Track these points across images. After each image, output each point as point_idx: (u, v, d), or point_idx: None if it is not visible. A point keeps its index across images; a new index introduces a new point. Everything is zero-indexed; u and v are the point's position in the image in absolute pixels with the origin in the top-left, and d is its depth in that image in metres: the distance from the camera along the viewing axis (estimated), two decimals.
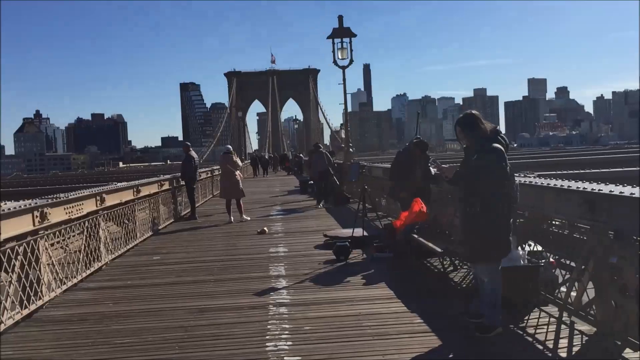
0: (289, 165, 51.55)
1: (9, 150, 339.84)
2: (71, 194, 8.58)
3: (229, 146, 16.53)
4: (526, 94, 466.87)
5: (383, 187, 14.87)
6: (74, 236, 8.37)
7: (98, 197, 9.41)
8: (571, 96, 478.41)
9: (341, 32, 22.73)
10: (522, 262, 6.23)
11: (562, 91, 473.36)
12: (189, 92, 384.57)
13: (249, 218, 15.21)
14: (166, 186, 15.16)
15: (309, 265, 8.98)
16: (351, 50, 22.83)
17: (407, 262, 8.57)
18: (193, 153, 16.61)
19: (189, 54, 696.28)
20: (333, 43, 22.84)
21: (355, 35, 22.81)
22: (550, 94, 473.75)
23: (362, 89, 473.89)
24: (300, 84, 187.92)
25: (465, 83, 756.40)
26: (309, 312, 6.38)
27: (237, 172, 15.46)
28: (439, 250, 6.95)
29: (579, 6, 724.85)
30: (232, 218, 15.10)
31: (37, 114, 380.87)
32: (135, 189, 11.88)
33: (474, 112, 5.66)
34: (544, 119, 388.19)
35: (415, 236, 8.06)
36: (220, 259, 9.85)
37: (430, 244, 7.31)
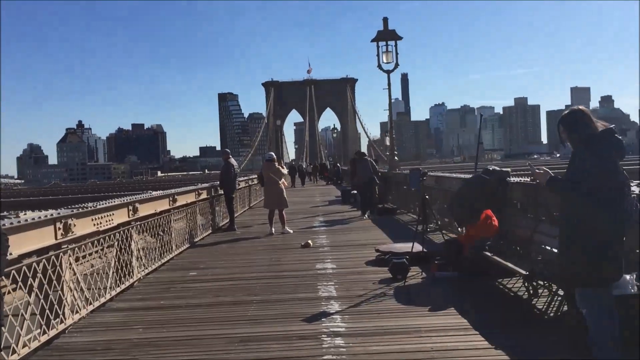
0: (328, 174, 50.64)
1: (52, 159, 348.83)
2: (100, 203, 7.77)
3: (272, 153, 15.67)
4: (569, 102, 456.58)
5: (436, 197, 13.76)
6: (102, 250, 7.56)
7: (130, 207, 8.60)
8: (616, 105, 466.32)
9: (386, 35, 21.73)
10: (632, 289, 5.10)
11: (607, 100, 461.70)
12: (227, 102, 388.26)
13: (291, 231, 14.28)
14: (204, 195, 14.37)
15: (362, 285, 7.96)
16: (397, 54, 21.81)
17: (476, 283, 7.49)
18: (233, 161, 15.82)
19: (227, 64, 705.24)
20: (377, 46, 21.86)
21: (401, 38, 21.80)
22: (594, 103, 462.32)
23: (400, 98, 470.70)
24: (338, 93, 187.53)
25: (506, 92, 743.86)
26: (370, 346, 5.37)
27: (282, 181, 14.64)
28: (524, 272, 5.85)
29: (621, 12, 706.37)
30: (273, 230, 14.22)
31: (80, 124, 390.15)
32: (171, 198, 11.08)
33: (581, 107, 4.63)
34: None
35: (488, 254, 6.97)
36: (262, 276, 8.91)
37: (511, 265, 6.21)
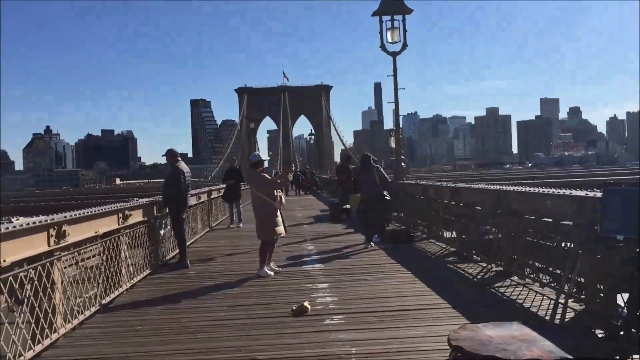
0: (306, 184, 45.66)
1: (18, 165, 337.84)
2: None
3: (257, 153, 10.45)
4: (539, 113, 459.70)
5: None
6: None
7: None
8: (584, 116, 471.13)
9: (391, 6, 16.95)
10: None
11: (575, 111, 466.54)
12: (200, 109, 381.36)
13: (271, 273, 9.33)
14: (137, 217, 9.28)
15: None
16: (404, 31, 17.03)
17: None
18: (183, 165, 10.66)
19: (200, 71, 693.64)
20: (380, 21, 17.05)
21: (410, 11, 17.03)
22: (562, 114, 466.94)
23: (373, 107, 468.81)
24: (313, 100, 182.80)
25: (477, 103, 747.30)
26: None
27: (279, 195, 9.64)
28: None
29: (587, 26, 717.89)
30: (266, 269, 9.33)
31: (47, 130, 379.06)
32: (52, 232, 5.97)
33: None
34: (559, 139, 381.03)
35: None
36: None
37: None
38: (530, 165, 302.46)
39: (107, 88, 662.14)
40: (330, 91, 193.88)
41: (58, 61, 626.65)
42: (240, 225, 17.80)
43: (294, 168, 11.36)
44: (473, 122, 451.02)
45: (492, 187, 9.44)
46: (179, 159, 10.67)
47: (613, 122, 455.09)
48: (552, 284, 6.89)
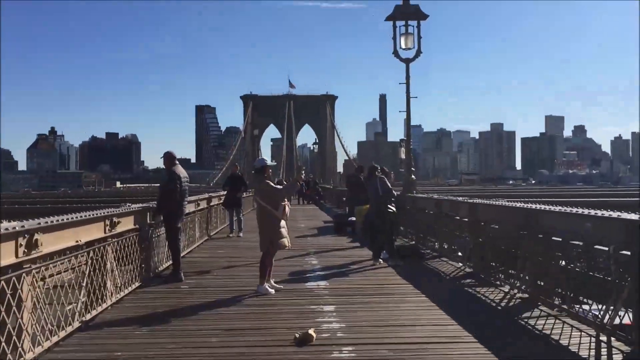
0: (310, 193, 44.84)
1: (22, 165, 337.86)
2: None
3: (264, 158, 9.64)
4: (543, 130, 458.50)
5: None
6: None
7: None
8: (588, 135, 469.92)
9: (406, 12, 16.22)
10: None
11: (580, 129, 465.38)
12: (205, 115, 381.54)
13: (272, 290, 8.53)
14: (127, 225, 8.49)
15: None
16: (419, 38, 16.27)
17: None
18: (180, 169, 9.84)
19: (205, 77, 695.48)
20: (394, 26, 16.31)
21: (426, 17, 16.28)
22: (567, 132, 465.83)
23: (378, 119, 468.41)
24: (317, 109, 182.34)
25: (482, 117, 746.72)
26: None
27: (285, 204, 8.91)
28: None
29: (592, 44, 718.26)
30: (267, 286, 8.57)
31: (52, 131, 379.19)
32: (22, 242, 5.17)
33: None
34: (563, 157, 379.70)
35: None
36: None
37: None
38: (533, 182, 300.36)
39: (112, 91, 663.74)
40: (335, 101, 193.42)
41: (66, 62, 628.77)
42: (241, 234, 17.02)
43: (303, 174, 10.68)
44: (477, 137, 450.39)
45: (518, 204, 8.63)
46: (177, 162, 9.86)
47: (618, 141, 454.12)
48: (591, 318, 6.06)
